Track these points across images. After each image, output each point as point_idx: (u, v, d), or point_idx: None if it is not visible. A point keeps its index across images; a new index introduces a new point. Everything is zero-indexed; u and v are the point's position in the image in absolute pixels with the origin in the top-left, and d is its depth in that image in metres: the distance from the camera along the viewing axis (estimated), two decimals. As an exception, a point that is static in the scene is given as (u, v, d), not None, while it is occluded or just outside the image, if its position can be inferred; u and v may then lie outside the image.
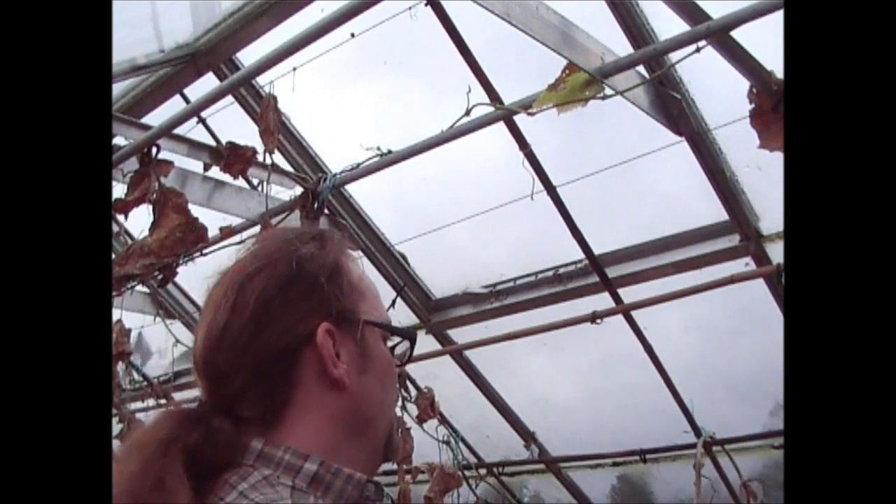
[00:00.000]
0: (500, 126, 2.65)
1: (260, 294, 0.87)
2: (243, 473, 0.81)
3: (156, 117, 3.01)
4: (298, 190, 2.96)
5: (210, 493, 0.80)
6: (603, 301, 3.10)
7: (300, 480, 0.82)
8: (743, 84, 2.03)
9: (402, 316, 3.58)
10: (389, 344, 0.96)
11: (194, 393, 4.48)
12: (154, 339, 4.71)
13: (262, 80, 2.82)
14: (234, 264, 0.93)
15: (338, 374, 0.87)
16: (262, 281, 0.88)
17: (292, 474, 0.82)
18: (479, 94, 2.57)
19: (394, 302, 3.02)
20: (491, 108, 2.38)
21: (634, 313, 3.12)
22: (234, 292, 0.88)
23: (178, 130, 2.73)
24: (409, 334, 0.97)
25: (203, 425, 0.84)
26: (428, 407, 3.56)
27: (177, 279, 3.31)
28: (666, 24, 2.23)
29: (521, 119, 2.60)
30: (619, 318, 3.10)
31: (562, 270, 3.26)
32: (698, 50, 1.95)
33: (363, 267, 0.98)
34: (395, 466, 3.45)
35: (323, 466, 0.83)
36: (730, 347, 3.41)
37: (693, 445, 3.48)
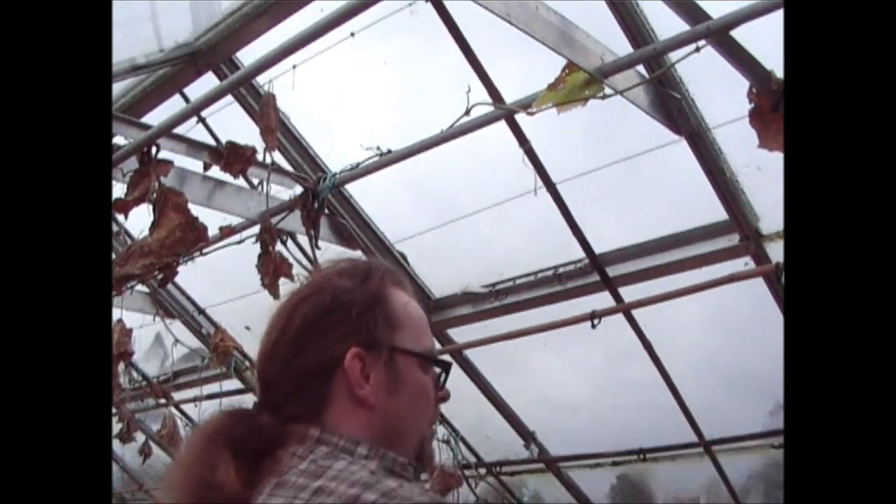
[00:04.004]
0: (502, 125, 2.65)
1: (303, 319, 1.02)
2: (309, 447, 0.94)
3: (155, 117, 3.00)
4: (298, 189, 2.97)
5: (265, 470, 0.94)
6: (603, 300, 3.10)
7: (355, 459, 0.95)
8: (743, 84, 2.03)
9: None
10: (433, 371, 1.07)
11: (194, 393, 4.49)
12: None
13: (261, 79, 2.81)
14: (292, 291, 1.08)
15: (363, 394, 0.99)
16: (306, 308, 1.03)
17: (349, 454, 0.95)
18: (480, 94, 2.56)
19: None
20: (491, 108, 2.39)
21: (635, 312, 3.12)
22: (286, 316, 1.03)
23: (178, 130, 2.73)
24: (439, 363, 1.08)
25: (248, 420, 0.99)
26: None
27: (177, 279, 3.31)
28: (666, 23, 2.23)
29: (521, 118, 2.60)
30: (620, 317, 3.10)
31: (562, 270, 3.25)
32: (698, 50, 1.95)
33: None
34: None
35: (372, 450, 0.96)
36: (730, 347, 3.41)
37: (693, 444, 3.49)
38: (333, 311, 1.01)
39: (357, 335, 1.00)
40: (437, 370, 1.07)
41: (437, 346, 3.62)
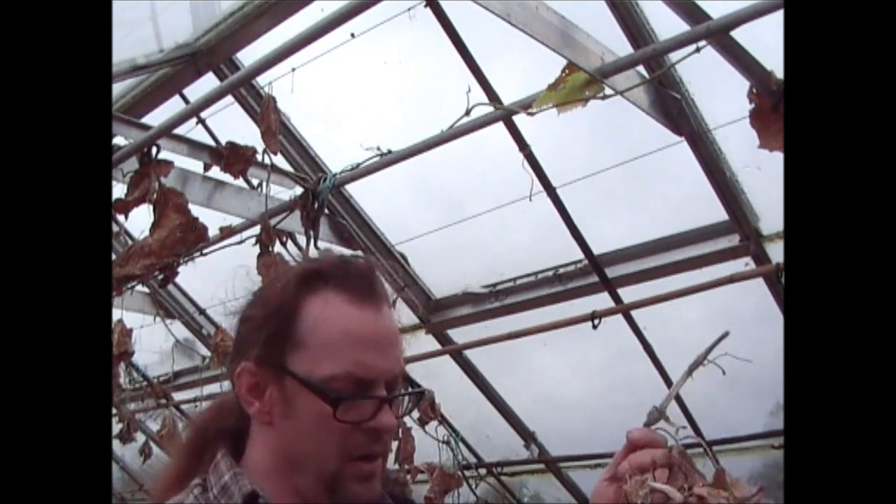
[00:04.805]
0: (501, 127, 2.65)
1: (238, 322, 0.99)
2: (194, 482, 0.94)
3: (156, 117, 3.00)
4: (298, 190, 2.97)
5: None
6: (603, 301, 3.10)
7: (216, 488, 0.93)
8: (743, 84, 2.03)
9: (402, 316, 3.58)
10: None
11: (194, 393, 4.49)
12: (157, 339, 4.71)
13: (261, 80, 2.82)
14: None
15: (252, 412, 0.94)
16: (243, 310, 0.99)
17: (215, 483, 0.93)
18: (479, 95, 2.57)
19: (394, 302, 3.03)
20: (491, 108, 2.38)
21: (635, 313, 3.12)
22: None
23: (178, 130, 2.73)
24: (324, 395, 0.89)
25: (209, 420, 1.01)
26: (428, 408, 3.56)
27: (177, 279, 3.31)
28: (666, 24, 2.23)
29: (523, 121, 2.60)
30: (620, 317, 3.10)
31: (562, 270, 3.26)
32: (698, 50, 1.95)
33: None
34: (395, 466, 3.45)
35: (233, 478, 0.92)
36: (730, 347, 3.40)
37: (694, 445, 3.49)
38: (243, 321, 0.97)
39: (253, 349, 0.93)
40: (379, 397, 0.91)
41: (438, 346, 3.62)
